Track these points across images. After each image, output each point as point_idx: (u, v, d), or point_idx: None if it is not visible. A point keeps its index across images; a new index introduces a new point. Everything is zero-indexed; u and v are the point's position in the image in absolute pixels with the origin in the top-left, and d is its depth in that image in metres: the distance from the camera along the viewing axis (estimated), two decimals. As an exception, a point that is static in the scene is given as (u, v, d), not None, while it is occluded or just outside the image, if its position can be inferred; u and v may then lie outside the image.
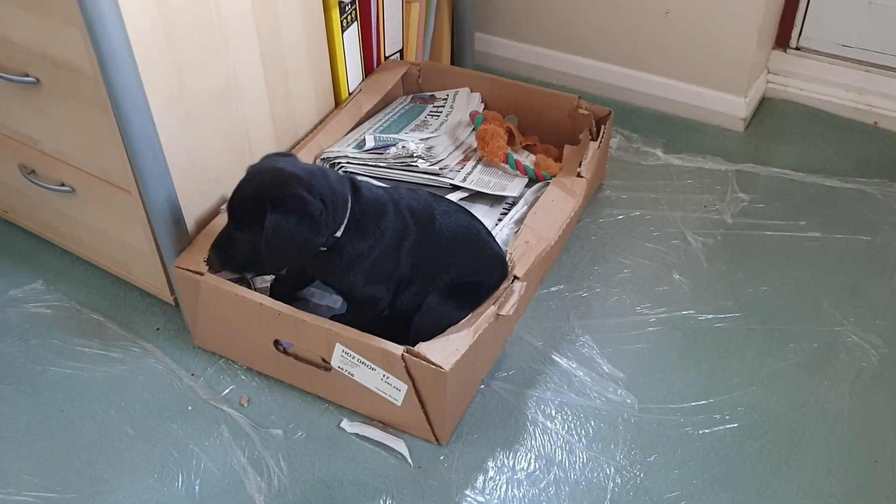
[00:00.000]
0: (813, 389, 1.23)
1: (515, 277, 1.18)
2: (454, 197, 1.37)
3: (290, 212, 1.04)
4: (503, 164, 1.44)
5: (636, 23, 1.73)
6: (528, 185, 1.45)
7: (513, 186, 1.42)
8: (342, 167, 1.39)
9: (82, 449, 1.17)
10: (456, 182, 1.39)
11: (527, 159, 1.51)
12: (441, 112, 1.54)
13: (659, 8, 1.69)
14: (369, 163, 1.39)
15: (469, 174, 1.41)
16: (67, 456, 1.16)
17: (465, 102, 1.57)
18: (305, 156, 1.40)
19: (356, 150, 1.41)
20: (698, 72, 1.73)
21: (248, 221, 1.08)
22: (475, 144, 1.46)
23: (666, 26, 1.70)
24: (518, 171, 1.44)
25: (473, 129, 1.49)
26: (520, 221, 1.34)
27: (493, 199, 1.42)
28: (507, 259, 1.22)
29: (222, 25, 1.20)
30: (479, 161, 1.46)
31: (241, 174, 1.33)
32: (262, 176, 1.09)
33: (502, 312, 1.14)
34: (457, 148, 1.47)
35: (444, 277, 1.18)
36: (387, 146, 1.41)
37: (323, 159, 1.40)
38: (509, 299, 1.15)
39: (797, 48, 1.78)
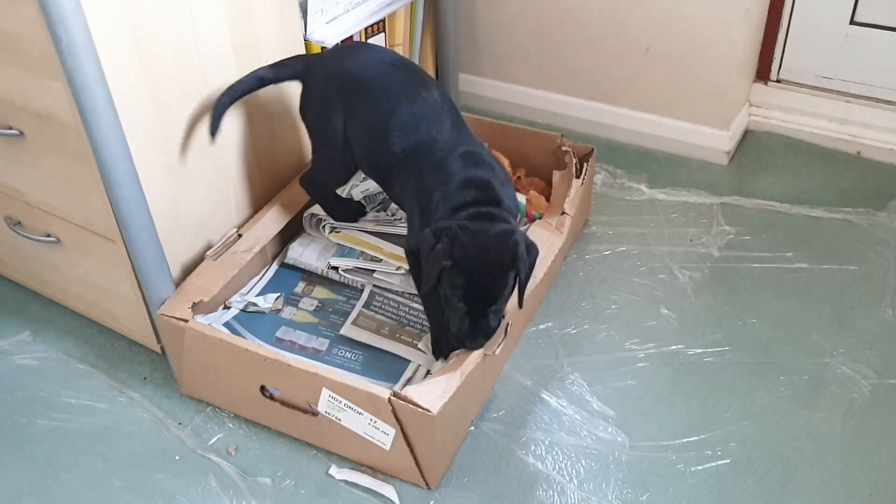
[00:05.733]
0: (805, 423, 1.22)
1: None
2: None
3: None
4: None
5: (617, 61, 1.75)
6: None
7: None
8: (329, 224, 1.41)
9: (68, 503, 1.15)
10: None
11: (517, 195, 1.51)
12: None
13: (639, 45, 1.71)
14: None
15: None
16: (53, 510, 1.15)
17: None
18: (294, 202, 1.41)
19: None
20: (680, 107, 1.75)
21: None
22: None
23: (647, 63, 1.73)
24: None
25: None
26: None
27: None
28: None
29: (204, 74, 1.21)
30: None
31: (226, 220, 1.34)
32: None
33: (489, 352, 1.14)
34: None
35: None
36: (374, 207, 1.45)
37: (311, 214, 1.42)
38: (496, 338, 1.15)
39: (778, 81, 1.80)
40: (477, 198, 1.13)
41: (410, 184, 1.18)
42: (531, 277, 1.13)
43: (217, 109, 1.23)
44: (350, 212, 1.41)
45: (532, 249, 1.11)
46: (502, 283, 1.09)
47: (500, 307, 1.11)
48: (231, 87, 1.24)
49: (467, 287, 1.08)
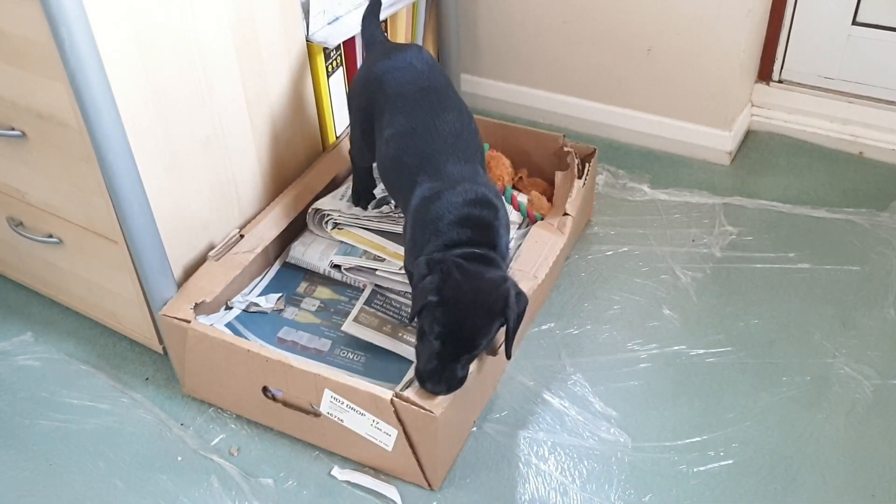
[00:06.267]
0: (807, 423, 1.22)
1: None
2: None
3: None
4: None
5: (619, 61, 1.75)
6: (518, 227, 1.45)
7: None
8: (333, 220, 1.40)
9: (70, 504, 1.15)
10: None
11: (519, 195, 1.51)
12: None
13: (641, 45, 1.71)
14: (360, 216, 1.40)
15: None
16: (55, 511, 1.15)
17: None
18: (296, 202, 1.41)
19: (348, 204, 1.43)
20: (682, 107, 1.74)
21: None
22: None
23: (649, 63, 1.72)
24: (511, 206, 1.45)
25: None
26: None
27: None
28: None
29: (206, 74, 1.21)
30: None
31: (228, 221, 1.34)
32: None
33: (491, 353, 1.14)
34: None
35: None
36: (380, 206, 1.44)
37: (314, 210, 1.41)
38: (498, 339, 1.15)
39: (780, 81, 1.80)
40: (473, 238, 1.10)
41: (410, 203, 1.16)
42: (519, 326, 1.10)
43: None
44: (360, 192, 1.42)
45: (521, 298, 1.08)
46: (486, 331, 1.05)
47: (474, 356, 1.08)
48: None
49: (448, 327, 1.04)
